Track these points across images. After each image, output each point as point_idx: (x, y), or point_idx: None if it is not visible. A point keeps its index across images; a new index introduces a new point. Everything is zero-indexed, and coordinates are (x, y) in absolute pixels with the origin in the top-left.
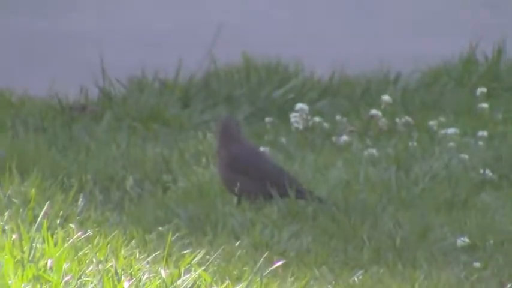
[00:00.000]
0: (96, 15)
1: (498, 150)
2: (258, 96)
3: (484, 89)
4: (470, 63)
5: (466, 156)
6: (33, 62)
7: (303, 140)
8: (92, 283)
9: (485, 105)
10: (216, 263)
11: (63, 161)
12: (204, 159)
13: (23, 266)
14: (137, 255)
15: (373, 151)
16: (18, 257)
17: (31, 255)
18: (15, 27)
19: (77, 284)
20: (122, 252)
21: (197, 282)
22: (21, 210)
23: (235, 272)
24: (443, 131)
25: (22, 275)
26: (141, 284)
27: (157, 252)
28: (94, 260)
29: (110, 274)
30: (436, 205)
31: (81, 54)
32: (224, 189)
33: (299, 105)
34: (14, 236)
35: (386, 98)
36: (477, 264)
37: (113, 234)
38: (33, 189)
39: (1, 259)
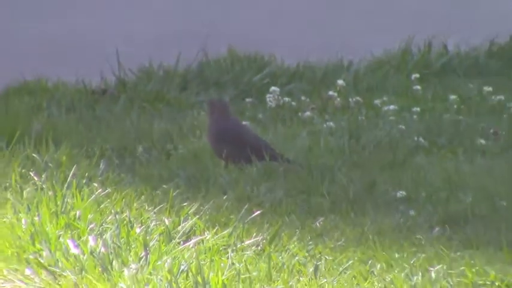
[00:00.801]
0: (114, 19)
1: (428, 122)
2: (240, 81)
3: (417, 75)
4: (407, 54)
5: (403, 127)
6: (65, 55)
7: (275, 116)
8: (110, 229)
9: (418, 87)
10: (208, 212)
11: (88, 134)
12: (198, 132)
13: (57, 216)
14: (146, 207)
15: (331, 124)
16: (53, 209)
17: (63, 208)
18: (45, 29)
19: (99, 230)
20: (134, 205)
21: (193, 228)
22: (55, 172)
23: (223, 220)
24: (385, 108)
25: (56, 223)
26: (149, 229)
27: (162, 205)
28: (112, 211)
29: (124, 222)
30: (380, 166)
31: (101, 50)
32: (214, 155)
33: (272, 88)
34: (50, 193)
35: (340, 82)
36: (412, 212)
37: (126, 191)
38: (64, 156)
39: (40, 211)
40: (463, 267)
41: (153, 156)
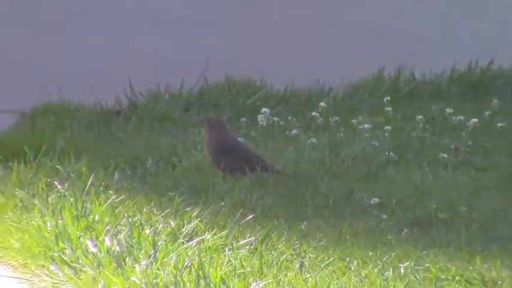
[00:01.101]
0: (126, 48)
1: (398, 139)
2: (236, 103)
3: (389, 98)
4: (379, 80)
5: (377, 143)
6: (85, 80)
7: (266, 133)
8: (124, 231)
9: (389, 108)
10: (208, 216)
11: (104, 149)
12: (199, 147)
13: (78, 219)
14: (154, 212)
15: (314, 140)
16: (75, 214)
17: (83, 212)
18: (67, 56)
19: (114, 231)
20: (144, 210)
21: (195, 230)
22: (76, 182)
23: (221, 223)
24: (361, 126)
25: (77, 226)
26: (157, 231)
27: (168, 210)
28: (125, 215)
29: (136, 224)
30: (356, 176)
31: (116, 75)
32: (213, 167)
33: (263, 110)
34: (71, 199)
35: (322, 104)
36: (384, 217)
37: (138, 198)
38: (84, 168)
39: (63, 215)
40: (428, 264)
41: (161, 168)
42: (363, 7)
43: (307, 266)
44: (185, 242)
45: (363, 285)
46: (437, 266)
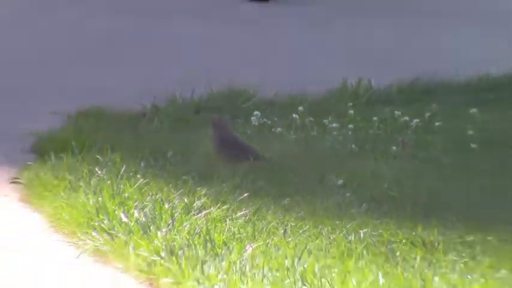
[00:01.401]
0: (146, 65)
1: (358, 136)
2: (234, 107)
3: (351, 103)
4: (344, 90)
5: (342, 138)
6: (117, 92)
7: (257, 131)
8: (148, 206)
9: (351, 111)
10: (213, 195)
11: (133, 143)
12: (207, 141)
13: (113, 197)
14: (172, 191)
15: (294, 136)
16: (111, 193)
17: (117, 191)
18: (98, 71)
19: (141, 206)
20: (164, 190)
21: (203, 205)
22: (111, 168)
23: (222, 199)
24: (330, 126)
25: (113, 202)
26: (174, 205)
27: (182, 190)
28: (150, 194)
29: (158, 201)
30: (327, 164)
31: (143, 87)
32: (217, 158)
33: (255, 112)
34: (108, 182)
35: (300, 108)
36: (348, 195)
37: (159, 181)
38: (118, 158)
39: (102, 194)
40: (381, 230)
41: (177, 158)
42: (336, 34)
43: (289, 232)
44: (196, 214)
45: (332, 247)
46: (388, 232)
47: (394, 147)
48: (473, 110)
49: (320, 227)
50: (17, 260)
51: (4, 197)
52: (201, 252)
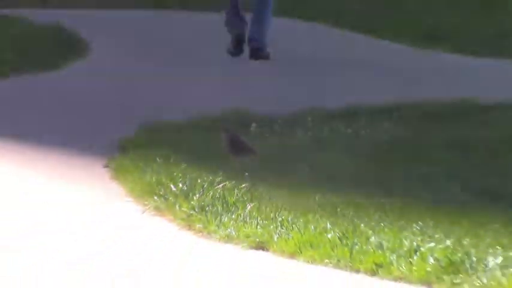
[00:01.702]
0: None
1: None
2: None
3: None
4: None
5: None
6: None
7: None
8: (187, 181)
9: None
10: (227, 177)
11: (184, 145)
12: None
13: (167, 176)
14: (203, 175)
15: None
16: (165, 173)
17: (170, 172)
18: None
19: (184, 181)
20: (197, 171)
21: (221, 180)
22: (165, 161)
23: (233, 178)
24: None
25: (166, 177)
26: (203, 180)
27: (209, 174)
28: (188, 176)
29: (193, 179)
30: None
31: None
32: (228, 155)
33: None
34: (164, 167)
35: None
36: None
37: (194, 166)
38: (171, 153)
39: (161, 173)
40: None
41: (204, 154)
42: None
43: (275, 198)
44: (216, 185)
45: (300, 208)
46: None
47: None
48: None
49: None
50: (105, 212)
51: (100, 175)
52: (220, 209)
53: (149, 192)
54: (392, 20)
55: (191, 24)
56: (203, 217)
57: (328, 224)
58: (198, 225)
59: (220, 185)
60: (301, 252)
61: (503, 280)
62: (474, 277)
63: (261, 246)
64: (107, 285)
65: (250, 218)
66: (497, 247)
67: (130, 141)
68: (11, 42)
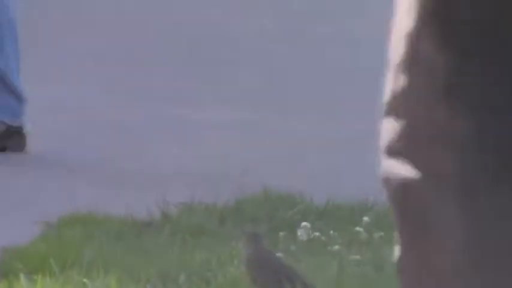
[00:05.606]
0: (158, 160)
1: None
2: (273, 217)
3: None
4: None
5: None
6: (115, 190)
7: (306, 249)
8: None
9: None
10: None
11: (134, 261)
12: (236, 261)
13: None
14: None
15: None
16: None
17: None
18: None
19: None
20: None
21: None
22: None
23: None
24: None
25: None
26: None
27: None
28: None
29: None
30: None
31: (150, 189)
32: (250, 284)
33: (303, 223)
34: None
35: (366, 218)
36: None
37: None
38: (113, 281)
39: None
40: None
41: (194, 284)
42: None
43: None
44: None
45: None
46: None
47: None
48: None
49: None
50: None
51: None
52: None
53: None
54: None
55: None
56: None
57: None
58: None
59: None
60: None
61: None
62: None
63: None
64: None
65: None
66: None
67: (23, 253)
68: None
